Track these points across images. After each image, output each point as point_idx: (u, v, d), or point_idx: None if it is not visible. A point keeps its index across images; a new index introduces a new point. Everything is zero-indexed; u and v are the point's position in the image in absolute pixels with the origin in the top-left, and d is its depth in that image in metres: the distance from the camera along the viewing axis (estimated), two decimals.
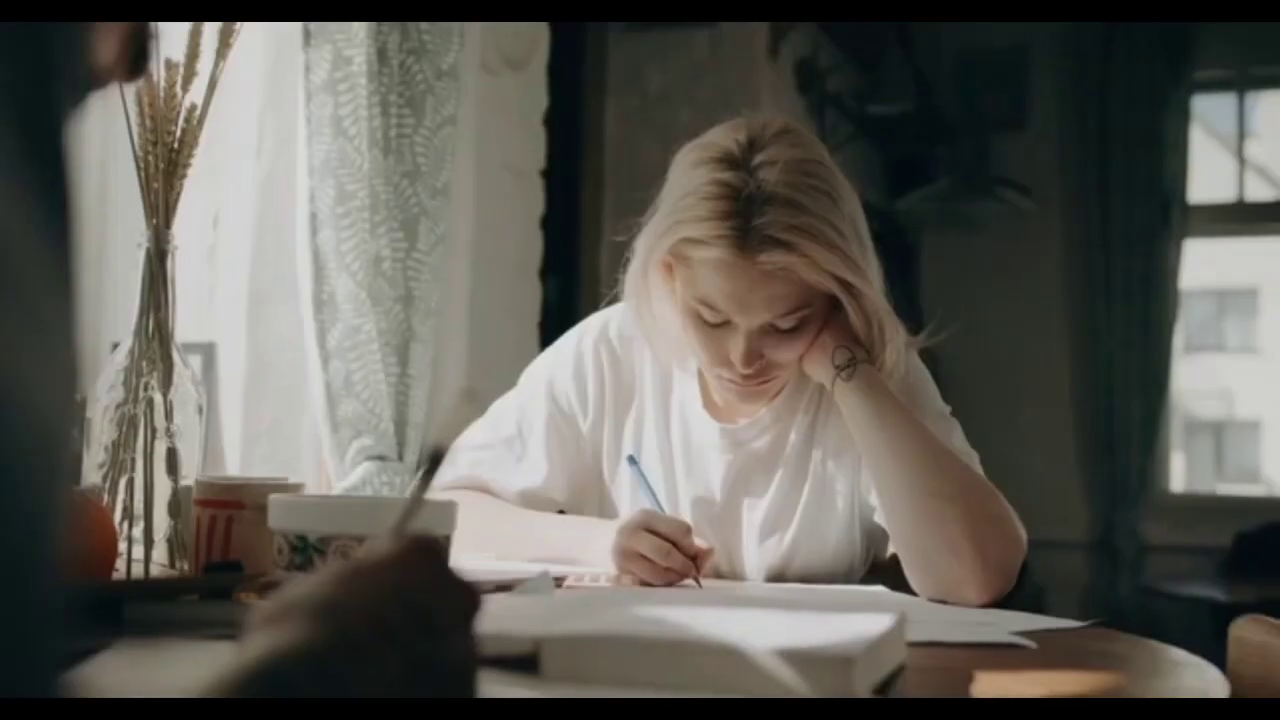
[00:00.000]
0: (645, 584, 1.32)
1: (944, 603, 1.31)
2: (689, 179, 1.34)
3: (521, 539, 1.46)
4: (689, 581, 1.32)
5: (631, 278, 1.43)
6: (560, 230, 3.11)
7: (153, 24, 0.62)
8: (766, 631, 0.77)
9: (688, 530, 1.34)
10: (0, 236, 0.30)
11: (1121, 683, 0.93)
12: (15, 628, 0.29)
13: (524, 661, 0.76)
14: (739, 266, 1.31)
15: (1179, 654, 1.00)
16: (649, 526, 1.33)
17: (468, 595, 0.59)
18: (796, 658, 0.70)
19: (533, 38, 2.72)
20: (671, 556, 1.31)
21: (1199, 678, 0.91)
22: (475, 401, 0.65)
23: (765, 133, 1.34)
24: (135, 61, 0.60)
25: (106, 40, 0.56)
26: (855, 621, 0.82)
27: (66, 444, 0.32)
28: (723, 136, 1.36)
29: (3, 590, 0.29)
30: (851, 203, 1.36)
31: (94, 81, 0.54)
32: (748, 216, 1.29)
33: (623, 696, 0.70)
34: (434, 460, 0.64)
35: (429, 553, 0.59)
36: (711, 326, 1.37)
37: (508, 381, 1.75)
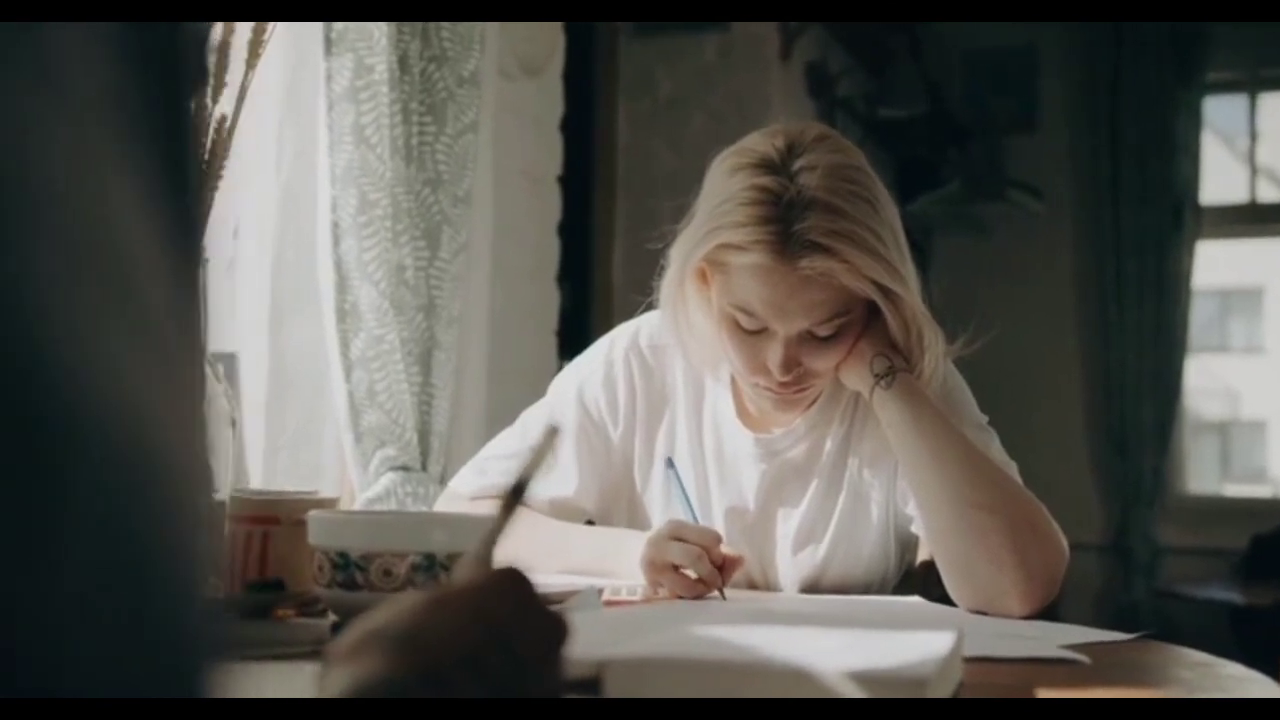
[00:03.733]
0: (678, 596, 1.31)
1: (983, 614, 1.30)
2: (727, 185, 1.33)
3: (552, 550, 1.45)
4: (714, 594, 1.31)
5: (667, 286, 1.41)
6: (573, 236, 3.10)
7: (210, 40, 0.61)
8: (831, 652, 0.76)
9: (718, 539, 1.32)
10: (129, 247, 0.29)
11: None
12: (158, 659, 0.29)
13: (584, 684, 0.74)
14: (778, 272, 1.29)
15: (1237, 669, 0.99)
16: (678, 536, 1.31)
17: (555, 625, 0.57)
18: (869, 680, 0.69)
19: (549, 42, 2.71)
20: (700, 564, 1.29)
21: (1264, 694, 0.89)
22: (559, 436, 0.63)
23: (804, 138, 1.33)
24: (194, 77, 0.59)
25: None
26: (919, 640, 0.80)
27: (207, 486, 0.31)
28: (760, 143, 1.34)
29: (143, 620, 0.28)
30: (890, 209, 1.34)
31: None
32: (788, 221, 1.28)
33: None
34: (517, 490, 0.63)
35: (514, 581, 0.58)
36: (748, 334, 1.35)
37: (527, 388, 1.73)
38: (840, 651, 0.77)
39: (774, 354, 1.33)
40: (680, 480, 1.47)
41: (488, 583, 0.57)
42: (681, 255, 1.37)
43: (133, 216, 0.29)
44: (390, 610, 0.55)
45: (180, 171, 0.32)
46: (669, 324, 1.45)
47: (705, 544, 1.30)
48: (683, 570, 1.29)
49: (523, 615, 0.56)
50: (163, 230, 0.30)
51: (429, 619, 0.54)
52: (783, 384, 1.35)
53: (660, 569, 1.30)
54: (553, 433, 0.65)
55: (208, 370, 1.26)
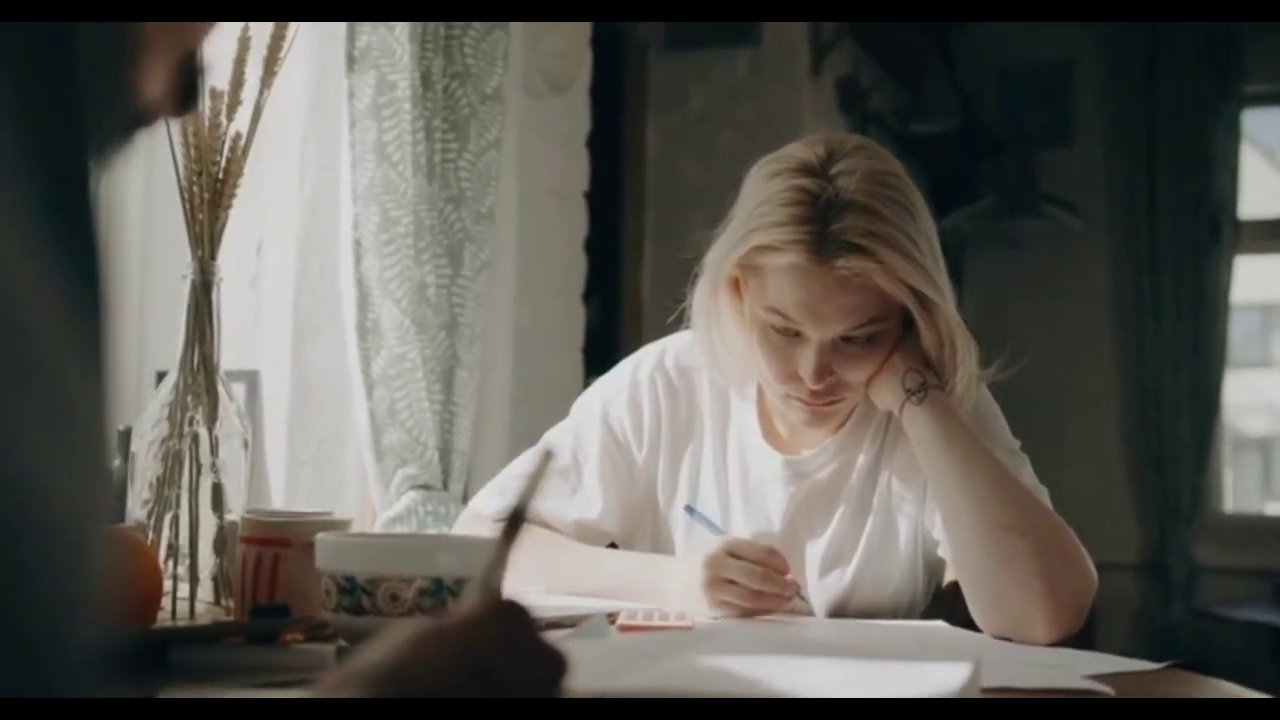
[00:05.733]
0: (744, 614, 1.30)
1: (1008, 640, 1.27)
2: (765, 188, 1.32)
3: (579, 574, 1.43)
4: (797, 604, 1.33)
5: (700, 292, 1.40)
6: (601, 252, 3.09)
7: (203, 57, 0.59)
8: (838, 685, 0.74)
9: (772, 551, 1.31)
10: (20, 311, 0.27)
11: None
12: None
13: None
14: (814, 274, 1.28)
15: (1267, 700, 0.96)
16: (734, 553, 1.31)
17: (551, 660, 0.55)
18: None
19: (575, 59, 2.70)
20: (767, 580, 1.29)
21: None
22: (551, 459, 0.62)
23: (844, 146, 1.33)
24: (185, 96, 0.58)
25: (155, 75, 0.54)
26: (933, 672, 0.78)
27: (93, 529, 0.29)
28: (800, 150, 1.34)
29: (19, 680, 0.27)
30: (927, 220, 1.33)
31: (143, 118, 0.52)
32: (825, 222, 1.27)
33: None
34: (515, 519, 0.61)
35: (510, 616, 0.56)
36: (781, 340, 1.33)
37: (552, 406, 1.72)
38: (850, 684, 0.74)
39: (806, 360, 1.31)
40: (708, 520, 1.46)
41: (481, 617, 0.55)
42: (716, 260, 1.36)
43: (8, 255, 0.28)
44: (379, 645, 0.53)
45: (79, 228, 0.31)
46: (700, 334, 1.43)
47: (761, 559, 1.30)
48: (742, 584, 1.29)
49: (513, 652, 0.54)
50: (59, 289, 0.29)
51: (413, 656, 0.52)
52: (814, 393, 1.33)
53: (721, 585, 1.30)
54: (548, 457, 0.63)
55: (221, 391, 1.25)
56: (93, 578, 0.29)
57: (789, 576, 1.32)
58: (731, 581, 1.29)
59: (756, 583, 1.29)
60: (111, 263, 0.32)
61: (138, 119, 0.49)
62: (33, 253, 0.29)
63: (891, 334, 1.35)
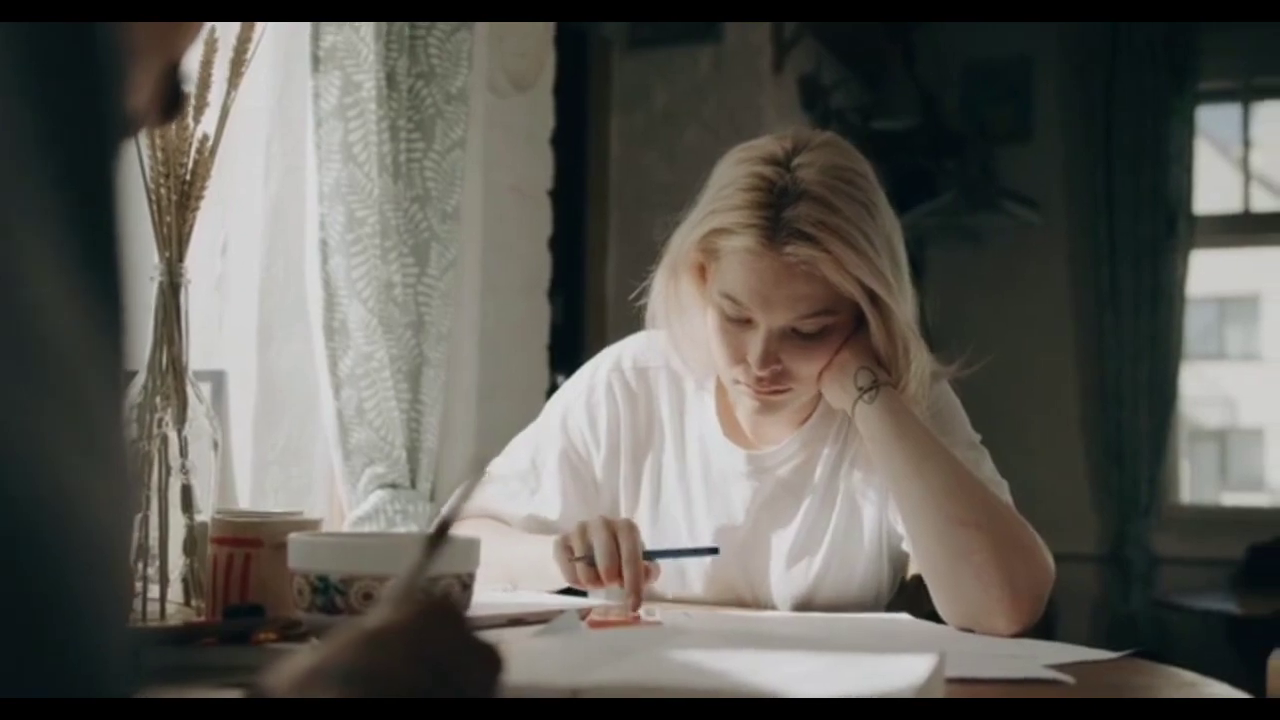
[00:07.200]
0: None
1: (971, 631, 1.29)
2: (729, 174, 1.35)
3: (496, 559, 1.45)
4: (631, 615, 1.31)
5: (661, 272, 1.42)
6: (565, 250, 3.10)
7: (186, 67, 0.60)
8: (807, 678, 0.75)
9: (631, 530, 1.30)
10: (46, 321, 0.28)
11: None
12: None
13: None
14: (764, 258, 1.30)
15: (1223, 689, 0.98)
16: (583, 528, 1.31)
17: (489, 657, 0.57)
18: None
19: (539, 58, 2.71)
20: (609, 547, 1.28)
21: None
22: (484, 468, 0.63)
23: (812, 140, 1.36)
24: (169, 105, 0.59)
25: (141, 83, 0.55)
26: (898, 664, 0.80)
27: (122, 537, 0.30)
28: (769, 141, 1.37)
29: (62, 684, 0.28)
30: (888, 220, 1.35)
31: (129, 126, 0.52)
32: (779, 208, 1.29)
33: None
34: (441, 530, 0.62)
35: (448, 616, 0.57)
36: (733, 325, 1.35)
37: (518, 404, 1.73)
38: (817, 677, 0.76)
39: (755, 346, 1.33)
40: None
41: (422, 619, 0.57)
42: (677, 241, 1.39)
43: (37, 265, 0.28)
44: (327, 647, 0.54)
45: (100, 227, 0.32)
46: (660, 318, 1.44)
47: (619, 529, 1.29)
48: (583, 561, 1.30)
49: (459, 650, 0.56)
50: (66, 270, 0.29)
51: (370, 656, 0.53)
52: (759, 379, 1.35)
53: (566, 550, 1.31)
54: (480, 463, 0.65)
55: (190, 392, 1.25)
56: (124, 584, 0.30)
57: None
58: (571, 549, 1.30)
59: (603, 544, 1.28)
60: (132, 271, 0.33)
61: (126, 127, 0.50)
62: (58, 262, 0.29)
63: (842, 330, 1.36)
